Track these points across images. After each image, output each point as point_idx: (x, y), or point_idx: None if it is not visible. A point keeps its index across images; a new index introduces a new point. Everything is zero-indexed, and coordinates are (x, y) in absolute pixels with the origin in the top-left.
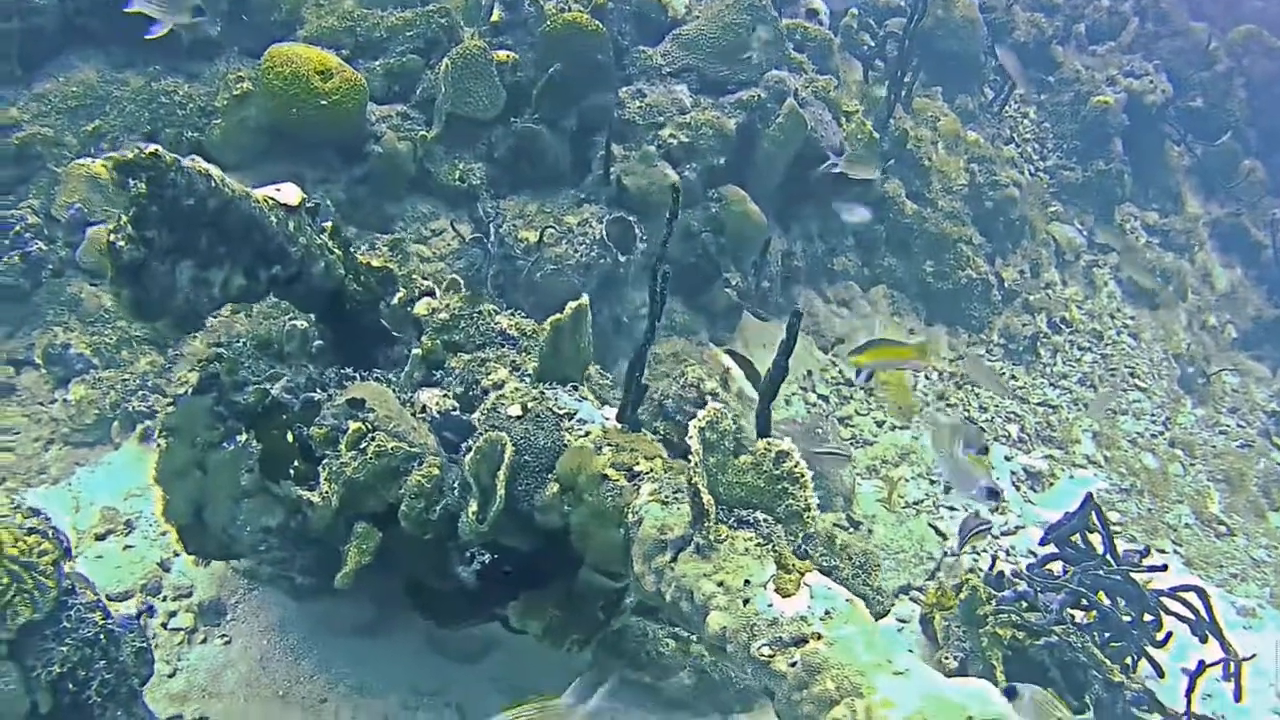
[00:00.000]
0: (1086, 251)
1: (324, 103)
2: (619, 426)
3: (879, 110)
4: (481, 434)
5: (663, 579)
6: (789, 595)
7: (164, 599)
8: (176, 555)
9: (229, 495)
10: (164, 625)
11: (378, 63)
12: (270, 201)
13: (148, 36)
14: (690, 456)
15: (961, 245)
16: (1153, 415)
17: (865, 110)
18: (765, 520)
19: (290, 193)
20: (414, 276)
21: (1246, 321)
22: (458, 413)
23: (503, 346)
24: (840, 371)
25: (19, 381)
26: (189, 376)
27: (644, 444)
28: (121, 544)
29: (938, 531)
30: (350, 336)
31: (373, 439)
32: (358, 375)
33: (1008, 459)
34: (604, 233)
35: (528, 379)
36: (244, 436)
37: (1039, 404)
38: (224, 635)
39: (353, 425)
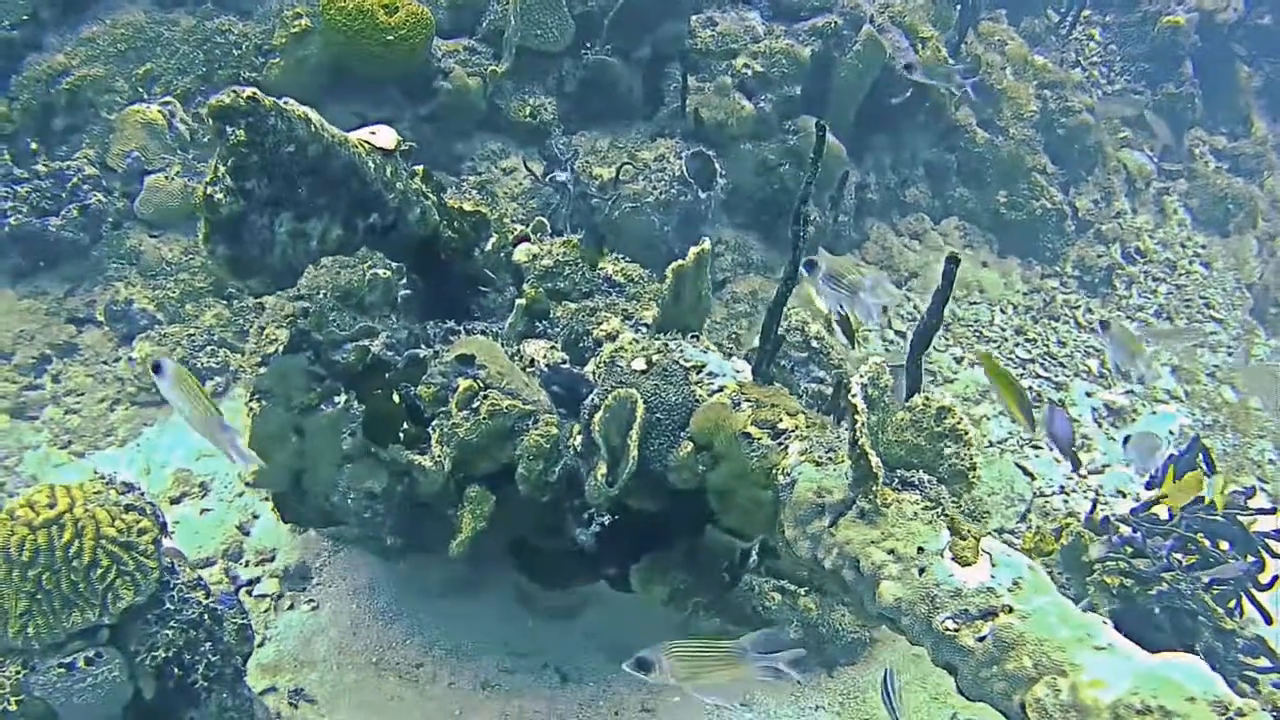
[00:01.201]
0: (1156, 178)
1: (390, 38)
2: (754, 381)
3: (949, 34)
4: (609, 391)
5: (820, 545)
6: (968, 564)
7: (246, 564)
8: (256, 517)
9: (330, 460)
10: (248, 592)
11: None
12: (367, 146)
13: None
14: (854, 415)
15: (1035, 174)
16: (1229, 347)
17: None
18: (929, 481)
19: (386, 136)
20: (505, 220)
21: None
22: (567, 365)
23: (610, 294)
24: (915, 307)
25: (81, 340)
26: (277, 333)
27: (783, 399)
28: (198, 507)
29: (1025, 472)
30: (441, 286)
31: (485, 397)
32: (462, 329)
33: (1089, 394)
34: (683, 168)
35: (644, 329)
36: (343, 398)
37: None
38: (311, 600)
39: (463, 383)
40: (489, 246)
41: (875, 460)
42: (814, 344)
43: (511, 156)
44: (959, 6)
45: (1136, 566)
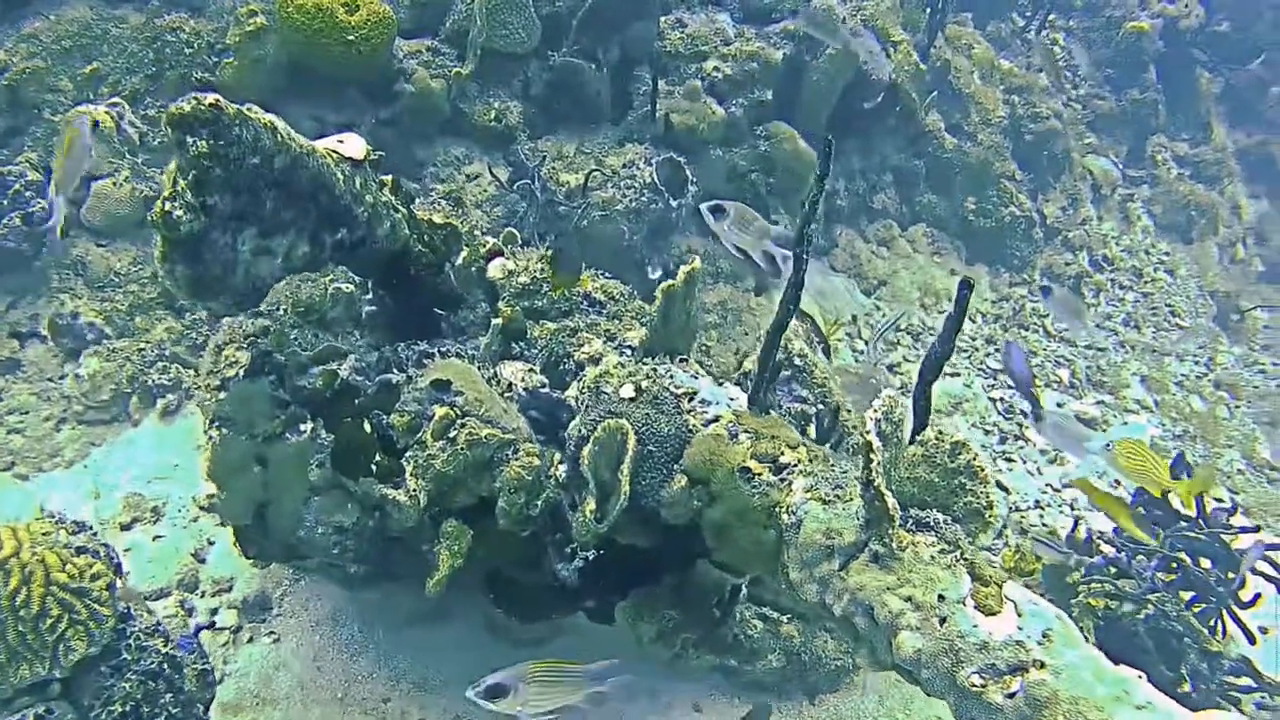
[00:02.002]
0: (1121, 185)
1: (350, 38)
2: (750, 409)
3: (919, 38)
4: (598, 420)
5: (829, 589)
6: (993, 612)
7: (203, 594)
8: (211, 543)
9: (296, 493)
10: (206, 625)
11: None
12: (335, 156)
13: None
14: (869, 454)
15: (1004, 181)
16: (1195, 356)
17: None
18: (945, 522)
19: (355, 145)
20: (476, 233)
21: (1274, 253)
22: (547, 389)
23: (590, 313)
24: (884, 315)
25: (24, 356)
26: (237, 355)
27: (783, 429)
28: (150, 534)
29: (1000, 487)
30: (410, 302)
31: (463, 425)
32: (436, 352)
33: (1060, 405)
34: (654, 175)
35: (628, 351)
36: (309, 425)
37: (1086, 347)
38: (272, 633)
39: (439, 411)
40: (459, 261)
41: (891, 502)
42: (797, 361)
43: (475, 162)
44: (928, 9)
45: (1122, 588)
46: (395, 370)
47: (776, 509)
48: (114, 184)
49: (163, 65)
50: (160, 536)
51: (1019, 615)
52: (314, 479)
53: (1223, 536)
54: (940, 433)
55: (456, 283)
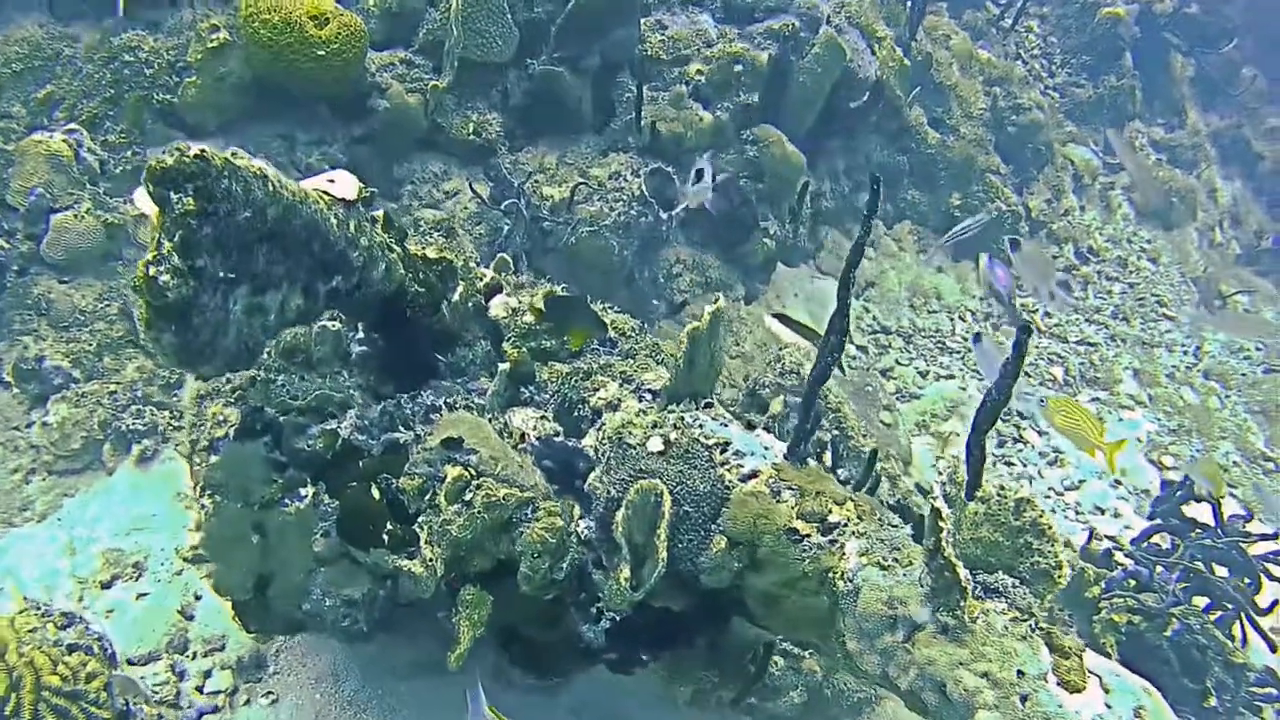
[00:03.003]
0: (1102, 174)
1: (321, 53)
2: (789, 461)
3: (900, 31)
4: (628, 480)
5: (893, 662)
6: (1077, 689)
7: (193, 655)
8: (198, 598)
9: (300, 565)
10: (199, 689)
11: (373, 1)
12: (327, 199)
13: None
14: (938, 523)
15: (989, 175)
16: (1184, 346)
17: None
18: (1014, 585)
19: (347, 184)
20: (471, 264)
21: (1249, 236)
22: (561, 438)
23: (601, 351)
24: (875, 319)
25: None
26: (226, 413)
27: (826, 483)
28: (133, 592)
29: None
30: (405, 343)
31: (479, 487)
32: (443, 405)
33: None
34: (642, 187)
35: (648, 396)
36: (310, 490)
37: (1078, 342)
38: (270, 693)
39: (452, 471)
40: (456, 297)
41: (964, 573)
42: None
43: (454, 178)
44: (909, 3)
45: (1144, 602)
46: (401, 427)
47: (830, 575)
48: (75, 216)
49: (121, 87)
50: (144, 594)
51: (1106, 691)
52: (319, 550)
53: (1240, 544)
54: (1003, 488)
55: (452, 320)
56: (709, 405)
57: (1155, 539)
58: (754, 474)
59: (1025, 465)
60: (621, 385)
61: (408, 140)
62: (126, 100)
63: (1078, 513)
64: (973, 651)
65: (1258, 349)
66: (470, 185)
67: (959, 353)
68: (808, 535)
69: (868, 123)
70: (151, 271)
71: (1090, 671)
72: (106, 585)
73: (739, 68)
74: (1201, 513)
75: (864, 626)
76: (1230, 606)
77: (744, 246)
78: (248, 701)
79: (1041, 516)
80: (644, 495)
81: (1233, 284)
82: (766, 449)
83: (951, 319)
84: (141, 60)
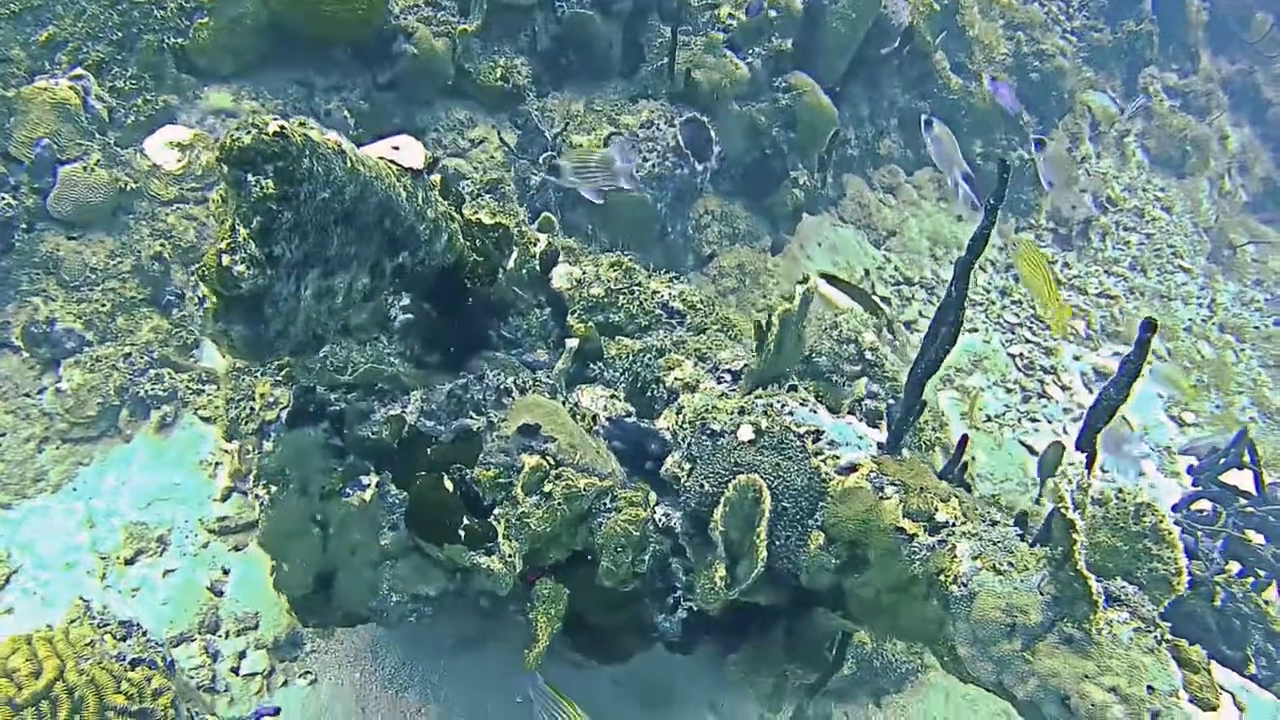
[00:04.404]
0: (1119, 120)
1: None
2: (892, 456)
3: None
4: (721, 473)
5: (1008, 670)
6: (1211, 706)
7: (226, 635)
8: (227, 572)
9: (366, 559)
10: (234, 670)
11: None
12: (395, 170)
13: None
14: (1071, 534)
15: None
16: (1199, 298)
17: None
18: (1135, 594)
19: (414, 152)
20: (524, 228)
21: (1256, 184)
22: (633, 418)
23: (672, 325)
24: (897, 269)
25: None
26: (276, 394)
27: (928, 478)
28: (159, 568)
29: (1030, 450)
30: (457, 312)
31: (558, 477)
32: (514, 387)
33: (1076, 358)
34: (677, 137)
35: (726, 377)
36: (373, 479)
37: (1098, 294)
38: (307, 673)
39: (529, 461)
40: (510, 264)
41: (1095, 586)
42: (868, 356)
43: (480, 125)
44: None
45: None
46: (471, 412)
47: (941, 578)
48: (84, 168)
49: (129, 29)
50: (171, 570)
51: (1240, 709)
52: (386, 543)
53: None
54: (1122, 492)
55: (508, 289)
56: (793, 388)
57: (1197, 505)
58: (852, 467)
59: (1049, 421)
60: (697, 364)
61: (433, 87)
62: (145, 43)
63: (1103, 470)
64: (1099, 664)
65: (1266, 300)
66: (500, 135)
67: (981, 306)
68: (915, 535)
69: (890, 66)
70: (225, 261)
71: (1221, 687)
72: (130, 561)
73: (773, 12)
74: (1243, 480)
75: (978, 633)
76: (1264, 574)
77: (772, 197)
78: (285, 683)
79: (1163, 522)
80: (742, 491)
81: (1241, 233)
82: (861, 438)
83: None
84: (151, 0)
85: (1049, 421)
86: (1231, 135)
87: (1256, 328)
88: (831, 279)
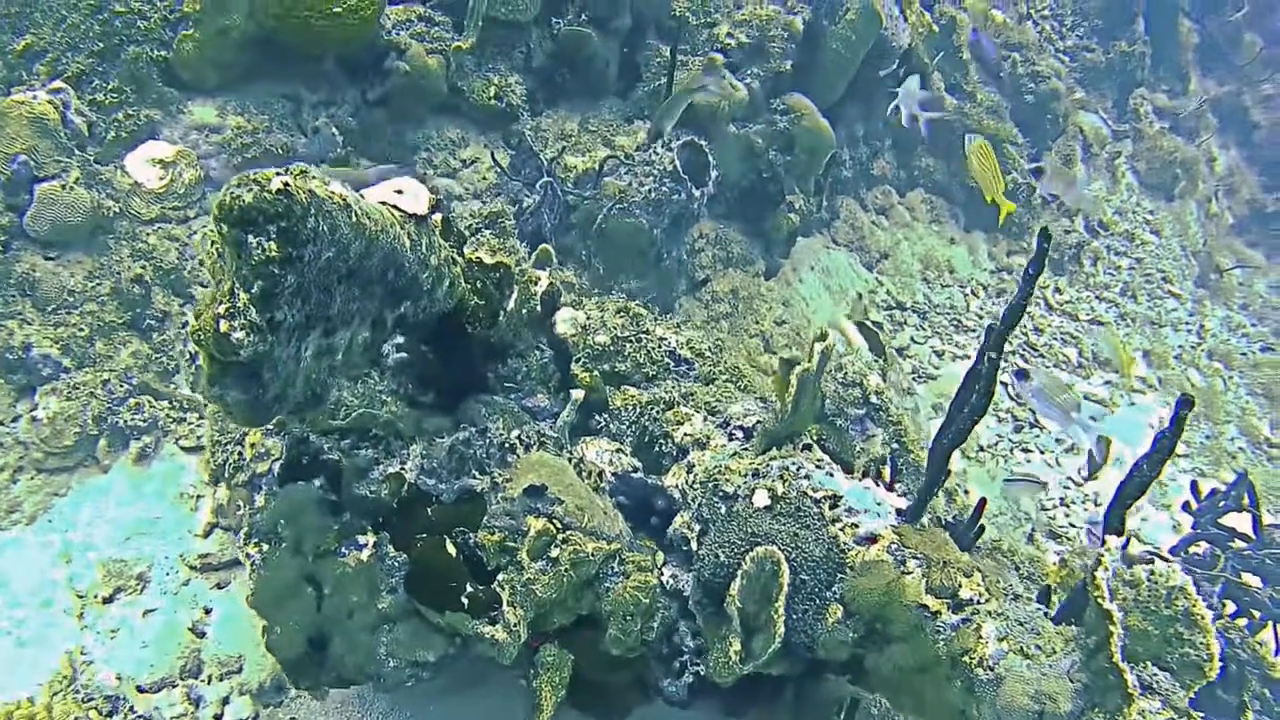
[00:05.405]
0: (1111, 142)
1: (337, 9)
2: (908, 522)
3: None
4: (737, 543)
5: None
6: None
7: (209, 680)
8: (209, 612)
9: (362, 622)
10: (216, 717)
11: None
12: (399, 216)
13: None
14: (1108, 624)
15: (1007, 145)
16: (1188, 324)
17: None
18: (1167, 682)
19: (417, 196)
20: (525, 266)
21: (1242, 206)
22: (640, 474)
23: (679, 375)
24: (889, 293)
25: None
26: (268, 445)
27: (949, 549)
28: (139, 607)
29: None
30: (454, 354)
31: (565, 541)
32: (518, 441)
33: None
34: (674, 161)
35: (738, 434)
36: (370, 539)
37: (1090, 321)
38: (293, 719)
39: (535, 524)
40: (510, 305)
41: (1132, 680)
42: (873, 400)
43: (472, 145)
44: None
45: None
46: (474, 470)
47: (966, 659)
48: (62, 186)
49: (111, 40)
50: (151, 610)
51: None
52: (385, 606)
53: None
54: (1154, 572)
55: (507, 331)
56: (808, 447)
57: (1193, 548)
58: (872, 537)
59: (1042, 452)
60: (707, 419)
61: (424, 104)
62: (122, 55)
63: (1096, 504)
64: None
65: (1253, 325)
66: (493, 156)
67: (974, 332)
68: (939, 613)
69: (885, 87)
70: (223, 327)
71: None
72: (109, 600)
73: (774, 32)
74: (1240, 522)
75: (1005, 719)
76: (1259, 616)
77: (768, 221)
78: None
79: (1195, 606)
80: (760, 564)
81: (1228, 257)
82: (879, 504)
83: (965, 295)
84: (133, 10)
85: (1041, 452)
86: (1219, 157)
87: (1244, 354)
88: (863, 326)
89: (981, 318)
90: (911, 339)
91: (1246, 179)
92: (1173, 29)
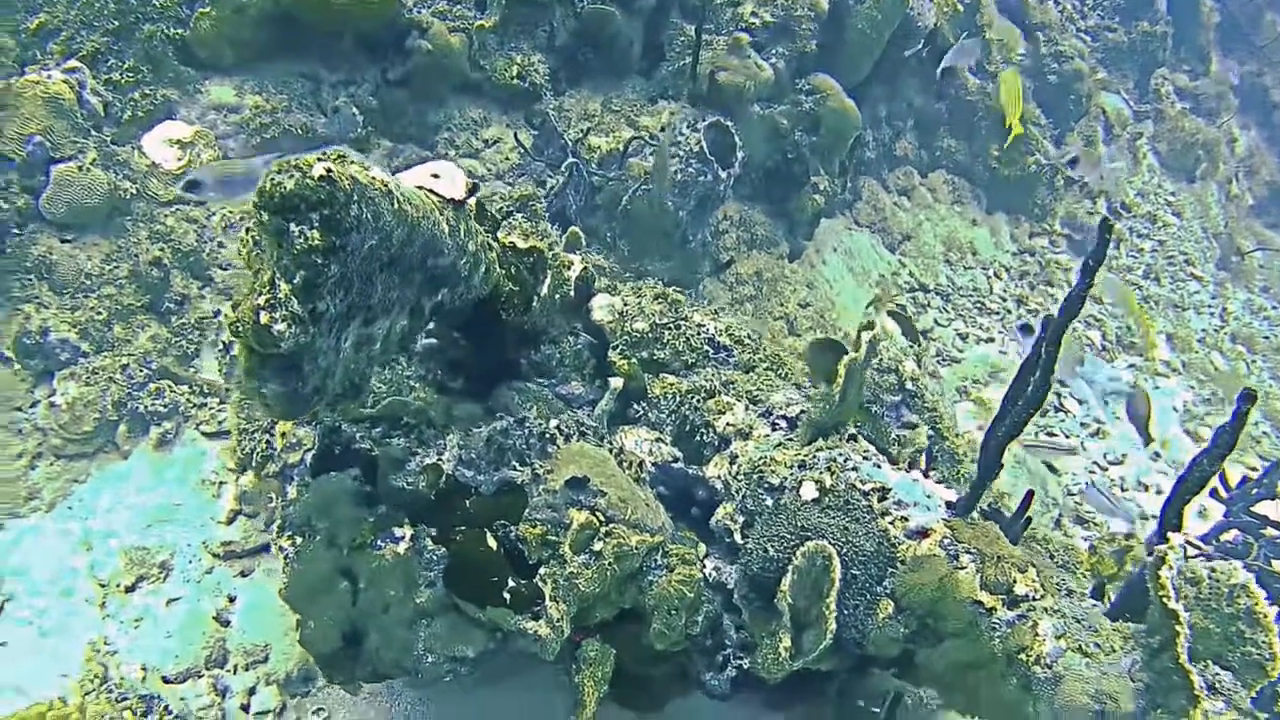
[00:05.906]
0: (1132, 123)
1: None
2: (967, 519)
3: None
4: (786, 537)
5: None
6: None
7: (235, 670)
8: (233, 600)
9: (399, 616)
10: (244, 708)
11: None
12: (437, 203)
13: None
14: (1175, 627)
15: (1031, 126)
16: (1210, 307)
17: None
18: (1229, 682)
19: (455, 181)
20: (556, 248)
21: (1262, 187)
22: (680, 464)
23: (719, 362)
24: (912, 275)
25: None
26: (299, 434)
27: (1002, 544)
28: (162, 596)
29: (1050, 468)
30: (490, 341)
31: (608, 534)
32: (558, 432)
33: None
34: (701, 142)
35: (782, 424)
36: (406, 530)
37: (1113, 304)
38: (319, 709)
39: (578, 517)
40: (544, 290)
41: (1198, 681)
42: (909, 386)
43: (494, 124)
44: None
45: None
46: (514, 461)
47: (1022, 656)
48: (79, 168)
49: (126, 17)
50: (175, 599)
51: None
52: (423, 600)
53: None
54: (1215, 570)
55: (540, 316)
56: (853, 438)
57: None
58: (924, 531)
59: (1067, 436)
60: (749, 408)
61: (446, 84)
62: (138, 33)
63: (1123, 489)
64: None
65: (1274, 308)
66: (516, 136)
67: (998, 314)
68: (994, 609)
69: (908, 66)
70: (264, 319)
71: None
72: (131, 588)
73: (800, 11)
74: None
75: (1064, 718)
76: None
77: (792, 202)
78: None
79: (1258, 604)
80: (811, 559)
81: (1248, 238)
82: (929, 497)
83: (988, 278)
84: None
85: (1066, 436)
86: (1240, 138)
87: (1266, 338)
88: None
89: (1004, 300)
90: (935, 321)
91: (1266, 160)
92: (1194, 8)
